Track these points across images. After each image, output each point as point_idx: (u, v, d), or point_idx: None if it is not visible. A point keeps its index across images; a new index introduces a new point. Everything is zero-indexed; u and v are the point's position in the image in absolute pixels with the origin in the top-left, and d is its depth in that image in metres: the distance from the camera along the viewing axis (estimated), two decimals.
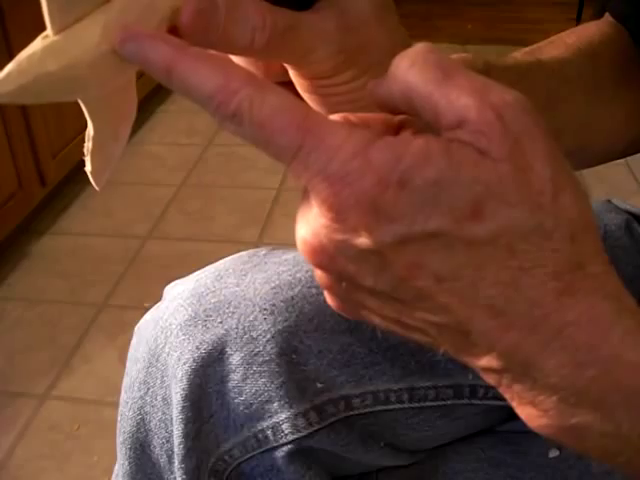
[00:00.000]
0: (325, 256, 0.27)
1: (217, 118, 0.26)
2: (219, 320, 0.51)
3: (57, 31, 0.26)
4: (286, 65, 0.35)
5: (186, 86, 0.26)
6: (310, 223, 0.27)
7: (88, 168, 0.30)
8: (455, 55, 0.42)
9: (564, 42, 0.51)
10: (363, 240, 0.26)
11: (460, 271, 0.26)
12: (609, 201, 0.63)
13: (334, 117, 0.28)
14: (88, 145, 0.30)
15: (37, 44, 0.26)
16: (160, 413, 0.53)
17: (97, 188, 0.30)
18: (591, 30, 0.52)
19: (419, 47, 0.27)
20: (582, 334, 0.26)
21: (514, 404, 0.28)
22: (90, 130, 0.29)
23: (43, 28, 0.26)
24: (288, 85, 0.36)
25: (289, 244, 0.40)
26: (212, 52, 0.28)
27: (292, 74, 0.36)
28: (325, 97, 0.36)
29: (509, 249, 0.25)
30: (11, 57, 0.24)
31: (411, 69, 0.26)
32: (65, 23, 0.26)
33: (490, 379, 0.28)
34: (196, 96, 0.26)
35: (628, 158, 0.56)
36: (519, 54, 0.49)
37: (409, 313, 0.27)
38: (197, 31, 0.29)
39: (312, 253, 0.27)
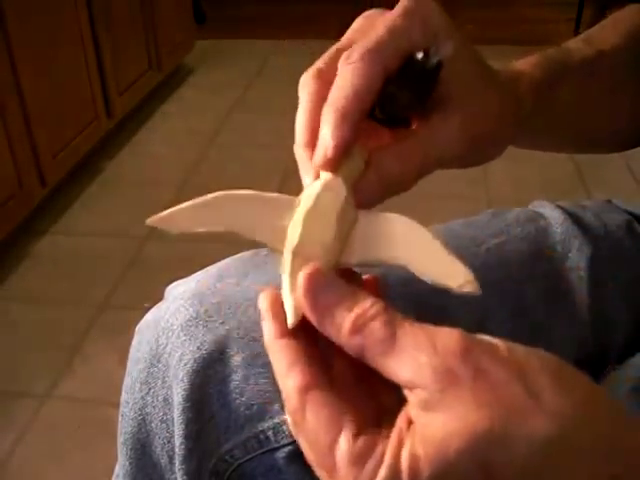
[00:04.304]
0: None
1: None
2: (220, 321, 0.51)
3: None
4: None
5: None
6: None
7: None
8: (539, 56, 0.47)
9: (616, 28, 0.54)
10: None
11: None
12: (609, 201, 0.63)
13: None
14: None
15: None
16: (161, 413, 0.53)
17: (291, 323, 0.32)
18: (637, 15, 0.55)
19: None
20: None
21: None
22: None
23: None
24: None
25: None
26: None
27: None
28: None
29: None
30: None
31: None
32: None
33: None
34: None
35: (628, 158, 0.56)
36: (580, 43, 0.52)
37: None
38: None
39: None
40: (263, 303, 0.34)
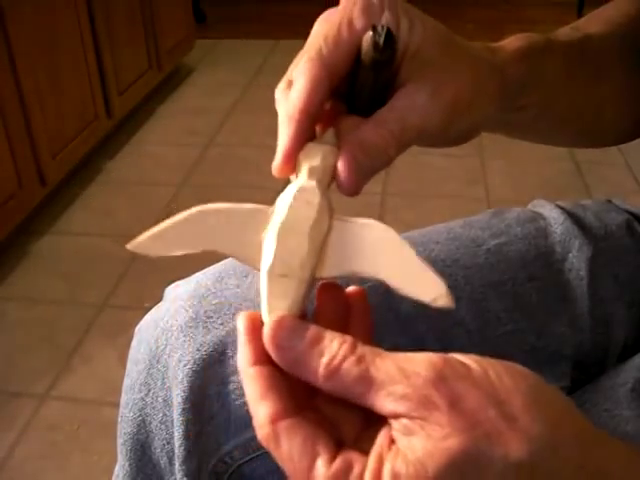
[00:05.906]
0: None
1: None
2: (220, 322, 0.51)
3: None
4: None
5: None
6: None
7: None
8: (520, 35, 0.46)
9: (602, 17, 0.54)
10: None
11: None
12: (609, 201, 0.63)
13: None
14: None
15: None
16: (161, 415, 0.53)
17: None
18: (626, 5, 0.55)
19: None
20: None
21: None
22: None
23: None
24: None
25: None
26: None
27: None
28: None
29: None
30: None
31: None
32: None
33: None
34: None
35: (628, 158, 0.56)
36: (567, 29, 0.52)
37: None
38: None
39: None
40: (240, 325, 0.33)
